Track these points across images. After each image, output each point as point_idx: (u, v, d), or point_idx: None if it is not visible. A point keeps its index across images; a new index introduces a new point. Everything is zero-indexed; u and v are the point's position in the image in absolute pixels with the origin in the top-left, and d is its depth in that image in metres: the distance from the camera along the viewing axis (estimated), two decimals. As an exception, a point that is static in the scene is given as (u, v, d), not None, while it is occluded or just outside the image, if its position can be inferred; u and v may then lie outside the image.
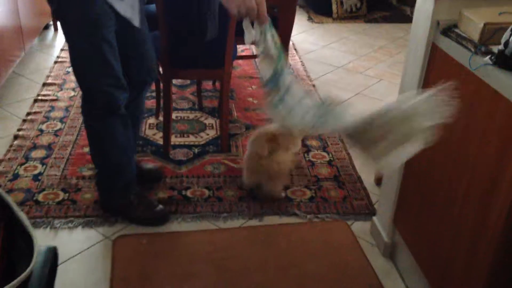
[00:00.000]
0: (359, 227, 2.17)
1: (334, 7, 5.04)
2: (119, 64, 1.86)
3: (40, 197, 2.19)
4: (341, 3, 5.05)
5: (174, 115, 2.93)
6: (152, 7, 2.46)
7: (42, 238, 1.98)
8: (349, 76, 3.74)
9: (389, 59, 4.08)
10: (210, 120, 2.94)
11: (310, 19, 5.04)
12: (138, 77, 2.00)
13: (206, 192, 2.31)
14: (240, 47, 4.03)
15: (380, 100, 3.34)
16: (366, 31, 4.79)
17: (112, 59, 1.81)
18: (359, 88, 3.52)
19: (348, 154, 2.68)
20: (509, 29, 1.32)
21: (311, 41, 4.44)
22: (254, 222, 2.16)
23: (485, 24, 1.42)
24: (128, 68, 1.92)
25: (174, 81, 3.35)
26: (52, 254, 0.87)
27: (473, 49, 1.43)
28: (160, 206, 2.12)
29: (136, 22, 1.84)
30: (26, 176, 2.32)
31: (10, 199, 0.85)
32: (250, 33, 1.42)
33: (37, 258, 0.74)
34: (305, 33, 4.62)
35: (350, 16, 5.09)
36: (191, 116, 2.98)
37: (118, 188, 2.07)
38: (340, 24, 4.96)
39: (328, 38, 4.53)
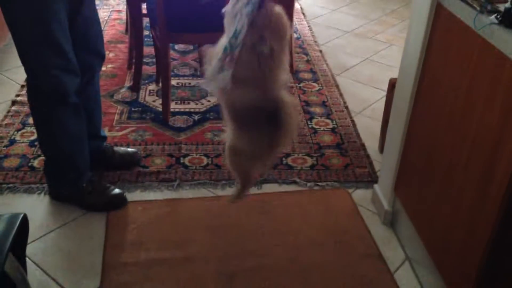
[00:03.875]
0: (360, 195, 2.13)
1: (345, -31, 4.86)
2: (70, 45, 1.69)
3: (35, 163, 2.18)
4: (353, -35, 4.86)
5: (175, 82, 2.87)
6: (148, -33, 2.38)
7: (36, 204, 1.98)
8: (358, 41, 3.62)
9: (401, 23, 3.94)
10: (212, 86, 2.87)
11: (320, -18, 4.87)
12: (86, 60, 1.82)
13: (205, 159, 2.27)
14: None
15: (389, 65, 3.24)
16: (378, -6, 4.62)
17: (62, 38, 1.64)
18: (368, 53, 3.42)
19: (353, 121, 2.61)
20: (517, -15, 1.22)
21: (320, 4, 4.30)
22: (252, 190, 2.11)
23: (492, -20, 1.32)
24: (75, 50, 1.74)
25: (176, 47, 3.29)
26: (18, 221, 0.84)
27: (478, 8, 1.34)
28: (116, 190, 1.98)
29: None
30: (22, 142, 2.30)
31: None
32: None
33: (-4, 224, 0.71)
34: (314, -3, 4.48)
35: (362, -21, 4.91)
36: (193, 82, 2.92)
37: (68, 178, 1.92)
38: (352, -13, 4.79)
39: (338, 2, 4.39)
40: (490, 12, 1.30)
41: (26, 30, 1.62)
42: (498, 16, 1.26)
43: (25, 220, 0.89)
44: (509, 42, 1.21)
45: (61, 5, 1.62)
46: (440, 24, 1.54)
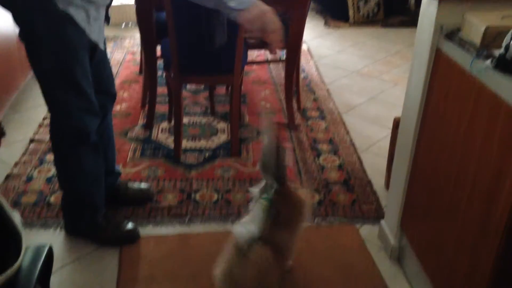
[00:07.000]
0: (367, 230, 2.16)
1: (351, 12, 5.03)
2: (92, 87, 1.79)
3: (51, 199, 2.25)
4: (358, 8, 5.04)
5: (186, 120, 2.97)
6: (162, 15, 2.51)
7: (52, 239, 2.04)
8: (364, 80, 3.73)
9: (405, 64, 4.05)
10: (222, 125, 2.97)
11: (326, 24, 5.04)
12: (99, 100, 1.89)
13: (215, 195, 2.33)
14: (254, 52, 4.06)
15: (394, 104, 3.32)
16: (383, 35, 4.76)
17: (85, 82, 1.75)
18: (374, 93, 3.51)
19: (359, 158, 2.68)
20: (510, 32, 1.31)
21: (327, 46, 4.44)
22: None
23: (486, 28, 1.41)
24: None
25: (188, 86, 3.41)
26: (44, 252, 0.90)
27: (474, 53, 1.42)
28: (130, 225, 2.04)
29: (101, 44, 1.81)
30: (39, 179, 2.39)
31: (2, 199, 0.88)
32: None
33: (25, 255, 0.77)
34: (321, 38, 4.63)
35: (367, 21, 5.07)
36: (204, 120, 3.01)
37: (85, 214, 1.99)
38: (357, 29, 4.95)
39: (344, 43, 4.53)
40: (486, 57, 1.39)
41: (53, 77, 1.72)
42: (493, 61, 1.34)
43: (50, 251, 0.94)
44: (504, 86, 1.28)
45: (84, 52, 1.73)
46: (440, 67, 1.63)
